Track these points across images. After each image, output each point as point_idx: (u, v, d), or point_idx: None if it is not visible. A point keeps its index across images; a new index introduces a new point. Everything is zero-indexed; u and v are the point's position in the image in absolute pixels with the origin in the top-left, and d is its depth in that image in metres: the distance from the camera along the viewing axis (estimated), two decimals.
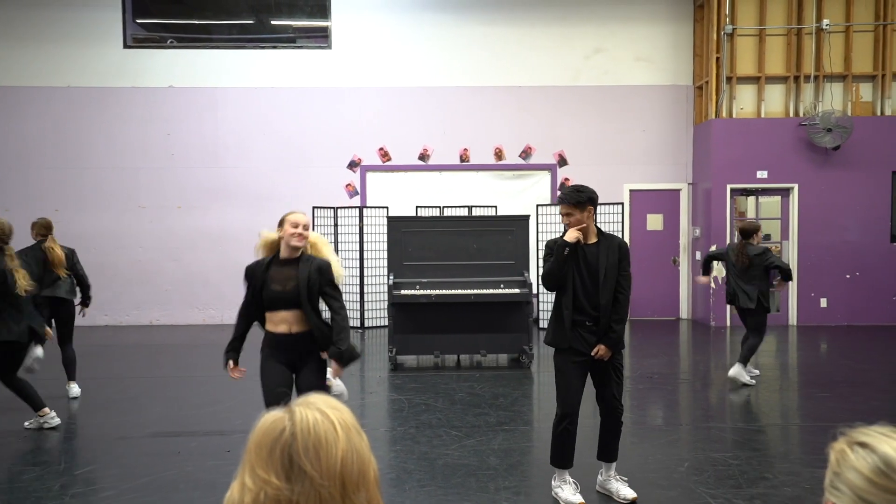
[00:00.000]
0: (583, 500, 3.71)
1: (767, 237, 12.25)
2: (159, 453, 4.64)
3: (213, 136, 10.51)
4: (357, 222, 9.91)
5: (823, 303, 10.00)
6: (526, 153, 10.62)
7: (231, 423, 5.32)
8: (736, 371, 6.41)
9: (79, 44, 10.43)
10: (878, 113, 10.02)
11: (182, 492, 3.97)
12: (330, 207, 10.03)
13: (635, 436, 5.05)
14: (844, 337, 9.17)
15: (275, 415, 1.08)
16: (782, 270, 6.49)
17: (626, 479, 3.90)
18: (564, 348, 3.75)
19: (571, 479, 3.81)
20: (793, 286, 9.77)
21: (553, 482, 3.85)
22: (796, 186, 9.93)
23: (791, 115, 10.05)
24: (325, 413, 1.07)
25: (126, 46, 10.52)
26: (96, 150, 10.46)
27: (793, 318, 10.05)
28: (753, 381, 6.45)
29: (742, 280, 6.39)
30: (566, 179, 10.61)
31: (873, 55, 10.03)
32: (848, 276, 9.96)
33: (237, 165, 10.54)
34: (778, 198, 10.18)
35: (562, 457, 3.78)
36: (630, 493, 3.78)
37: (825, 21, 9.83)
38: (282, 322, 3.61)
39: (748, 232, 6.48)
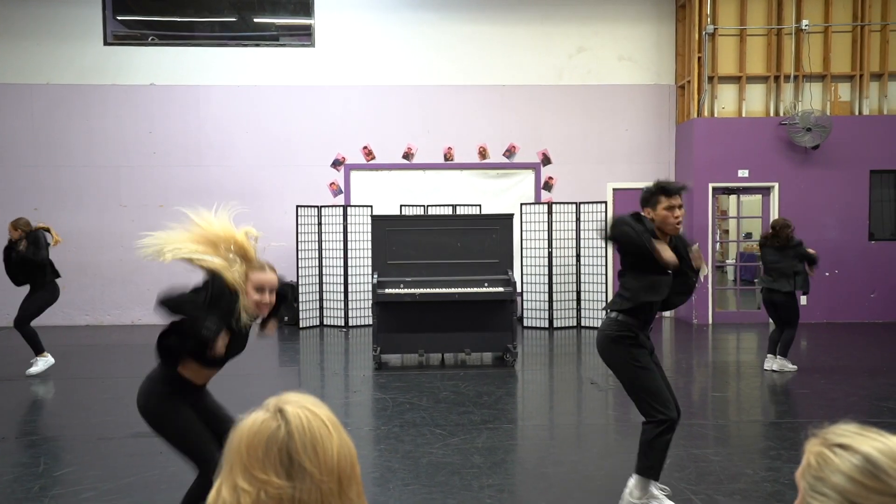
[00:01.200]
0: None
1: (749, 235, 12.41)
2: (141, 454, 4.60)
3: (195, 135, 10.43)
4: (341, 221, 9.88)
5: (803, 300, 10.10)
6: (510, 152, 10.65)
7: None
8: (779, 363, 6.88)
9: (58, 40, 10.30)
10: (857, 113, 10.15)
11: (164, 492, 3.94)
12: (314, 206, 10.00)
13: (618, 433, 5.09)
14: (824, 334, 9.29)
15: (260, 416, 1.09)
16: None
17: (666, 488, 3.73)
18: (637, 339, 3.36)
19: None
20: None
21: (635, 494, 3.44)
22: (777, 185, 10.04)
23: (771, 114, 10.17)
24: (312, 411, 1.09)
25: (106, 43, 10.41)
26: (76, 148, 10.35)
27: None
28: (795, 367, 6.92)
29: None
30: (550, 178, 10.65)
31: (851, 55, 10.16)
32: (827, 274, 10.09)
33: (220, 164, 10.47)
34: (759, 197, 10.30)
35: (660, 466, 3.42)
36: None
37: (804, 21, 9.95)
38: (209, 376, 3.05)
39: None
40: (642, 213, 3.46)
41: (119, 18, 10.56)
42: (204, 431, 2.98)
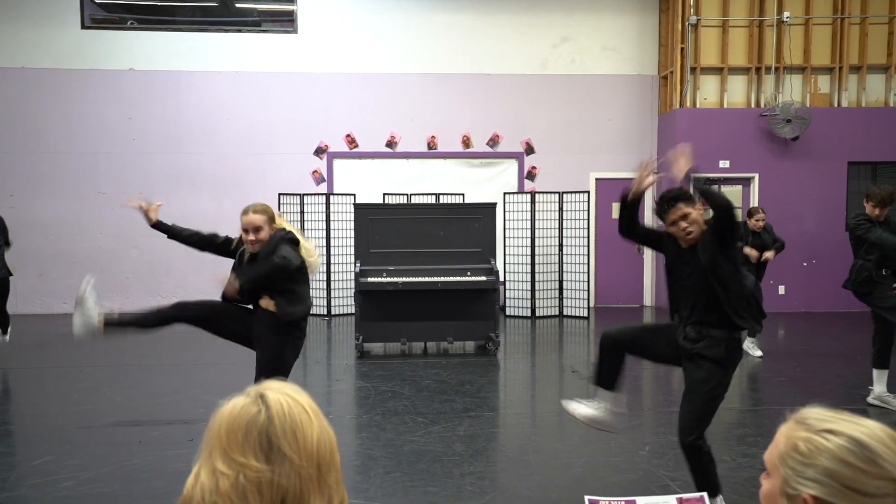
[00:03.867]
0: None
1: None
2: (120, 443, 4.57)
3: (175, 121, 10.31)
4: (324, 209, 9.84)
5: (781, 290, 10.26)
6: (493, 141, 10.64)
7: (194, 411, 5.26)
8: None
9: (34, 24, 10.10)
10: (835, 104, 10.27)
11: (144, 481, 3.92)
12: (296, 194, 9.93)
13: None
14: (801, 323, 9.43)
15: (241, 400, 1.09)
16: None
17: None
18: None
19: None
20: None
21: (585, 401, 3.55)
22: (757, 176, 10.14)
23: (752, 105, 10.25)
24: (293, 398, 1.09)
25: (84, 27, 10.23)
26: (53, 134, 10.18)
27: None
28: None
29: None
30: (533, 168, 10.67)
31: (831, 48, 10.26)
32: (805, 264, 10.24)
33: (201, 151, 10.35)
34: (739, 187, 10.39)
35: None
36: None
37: (786, 14, 10.02)
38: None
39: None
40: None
41: (97, 2, 10.37)
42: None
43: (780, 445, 1.04)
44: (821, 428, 1.01)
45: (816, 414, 1.04)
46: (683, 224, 3.24)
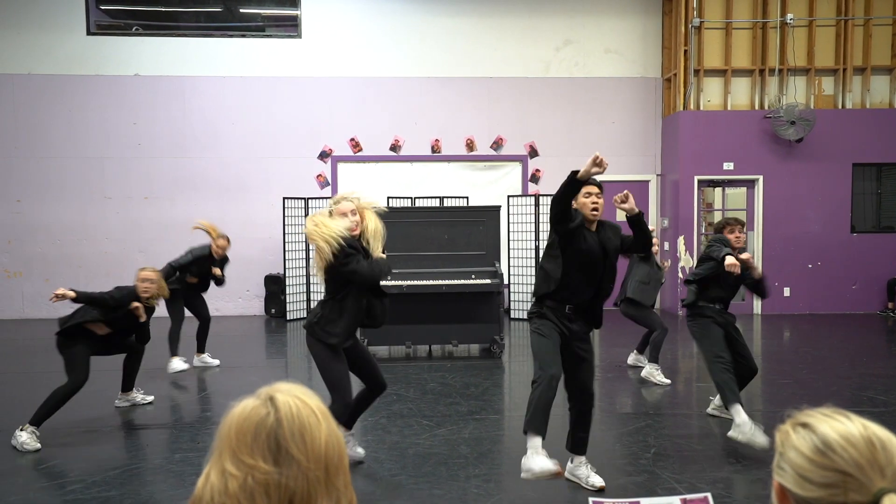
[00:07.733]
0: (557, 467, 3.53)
1: None
2: (127, 446, 4.60)
3: (180, 126, 10.36)
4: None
5: (787, 292, 10.24)
6: (497, 144, 10.66)
7: (201, 414, 5.28)
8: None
9: (40, 30, 10.17)
10: (839, 106, 10.26)
11: (151, 484, 3.94)
12: (300, 198, 9.96)
13: (604, 423, 5.14)
14: (806, 325, 9.41)
15: (251, 402, 1.10)
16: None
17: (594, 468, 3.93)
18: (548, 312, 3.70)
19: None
20: None
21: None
22: (761, 178, 10.14)
23: (756, 107, 10.25)
24: (303, 400, 1.10)
25: (90, 33, 10.29)
26: (59, 140, 10.24)
27: (757, 307, 10.29)
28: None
29: None
30: (537, 170, 10.68)
31: (835, 49, 10.26)
32: (810, 266, 10.22)
33: (206, 156, 10.40)
34: (743, 189, 10.38)
35: (544, 422, 3.55)
36: (599, 481, 3.81)
37: (789, 15, 10.03)
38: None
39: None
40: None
41: (102, 8, 10.43)
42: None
43: None
44: (797, 422, 1.06)
45: (807, 411, 1.08)
46: (596, 200, 3.92)
